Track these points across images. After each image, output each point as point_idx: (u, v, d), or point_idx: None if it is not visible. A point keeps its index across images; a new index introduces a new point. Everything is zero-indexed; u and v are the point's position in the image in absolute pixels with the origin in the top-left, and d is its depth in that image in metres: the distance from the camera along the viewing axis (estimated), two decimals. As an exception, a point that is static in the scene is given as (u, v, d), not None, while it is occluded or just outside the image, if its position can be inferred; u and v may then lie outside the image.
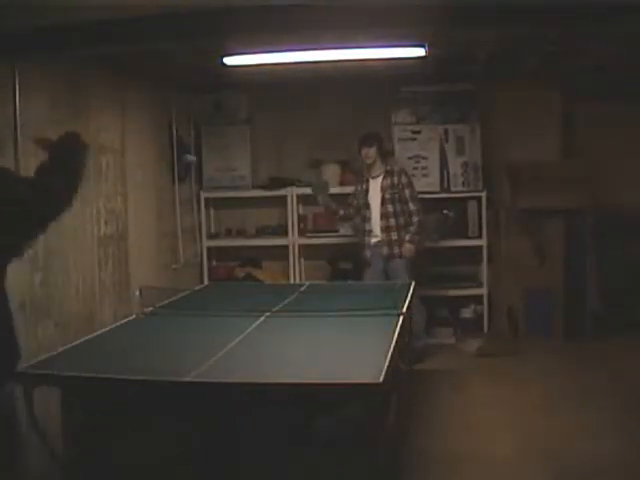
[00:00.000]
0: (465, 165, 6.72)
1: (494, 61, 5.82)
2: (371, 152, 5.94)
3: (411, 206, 5.93)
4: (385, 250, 5.91)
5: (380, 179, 5.97)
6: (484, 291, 6.75)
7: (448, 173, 6.74)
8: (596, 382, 5.23)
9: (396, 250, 5.89)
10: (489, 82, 6.56)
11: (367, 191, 6.02)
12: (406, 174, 6.04)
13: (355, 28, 3.78)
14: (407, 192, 5.93)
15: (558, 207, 6.29)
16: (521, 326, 6.48)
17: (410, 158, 6.75)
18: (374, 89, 6.64)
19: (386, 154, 6.19)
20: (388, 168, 6.00)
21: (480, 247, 6.70)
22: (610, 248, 6.44)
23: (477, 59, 5.78)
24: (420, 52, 4.88)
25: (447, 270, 6.95)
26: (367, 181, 6.03)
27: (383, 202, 5.92)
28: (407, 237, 5.87)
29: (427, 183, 6.74)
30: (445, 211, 6.75)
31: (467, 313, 6.81)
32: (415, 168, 6.74)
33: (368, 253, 6.02)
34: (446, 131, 6.73)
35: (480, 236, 6.68)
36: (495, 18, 3.52)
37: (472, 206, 6.69)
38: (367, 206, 6.01)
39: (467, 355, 6.24)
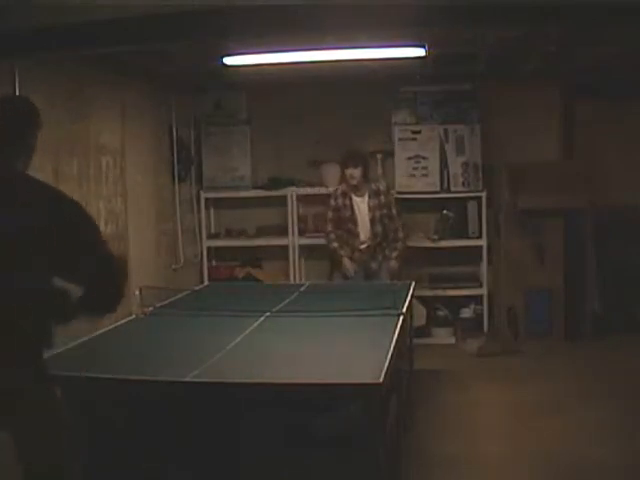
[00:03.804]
0: (465, 165, 6.71)
1: (494, 61, 5.83)
2: (356, 173, 5.68)
3: (397, 222, 5.81)
4: (373, 265, 5.84)
5: (366, 199, 5.79)
6: (484, 291, 6.74)
7: (448, 173, 6.72)
8: (596, 382, 5.23)
9: (383, 265, 5.81)
10: (489, 82, 6.57)
11: (352, 207, 5.81)
12: (390, 192, 5.92)
13: (355, 28, 3.78)
14: (393, 210, 5.82)
15: (558, 207, 6.28)
16: (521, 326, 6.47)
17: (410, 158, 6.74)
18: (374, 89, 6.65)
19: (367, 170, 5.89)
20: (374, 187, 5.82)
21: (480, 247, 6.70)
22: (610, 248, 6.45)
23: (477, 59, 5.79)
24: (420, 52, 4.88)
25: (447, 270, 6.95)
26: (350, 198, 5.81)
27: (372, 222, 5.78)
28: (393, 254, 5.76)
29: (427, 183, 6.73)
30: (445, 211, 6.75)
31: (467, 313, 6.80)
32: (415, 168, 6.73)
33: (350, 270, 5.81)
34: (446, 131, 6.72)
35: (480, 236, 6.67)
36: (495, 18, 3.52)
37: (472, 206, 6.68)
38: (354, 222, 5.82)
39: (467, 355, 6.24)
